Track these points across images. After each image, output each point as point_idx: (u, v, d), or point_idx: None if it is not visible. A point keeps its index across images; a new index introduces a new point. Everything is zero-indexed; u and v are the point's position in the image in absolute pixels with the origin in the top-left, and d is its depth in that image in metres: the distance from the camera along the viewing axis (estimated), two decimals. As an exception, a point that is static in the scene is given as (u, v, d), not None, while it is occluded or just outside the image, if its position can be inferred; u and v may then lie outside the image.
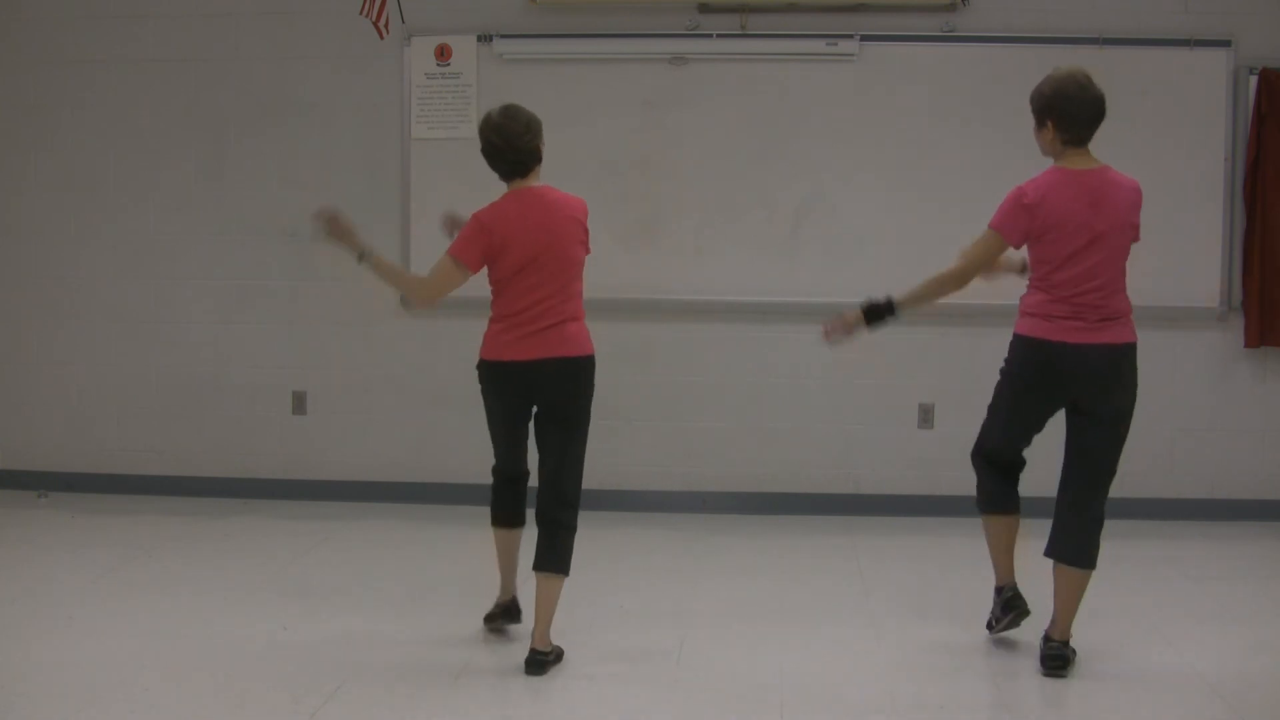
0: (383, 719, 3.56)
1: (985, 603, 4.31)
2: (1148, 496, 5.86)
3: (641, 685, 3.81)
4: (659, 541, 5.55)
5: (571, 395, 3.97)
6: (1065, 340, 3.84)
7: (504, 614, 4.21)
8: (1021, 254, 4.02)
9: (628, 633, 4.30)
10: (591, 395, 4.03)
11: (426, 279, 3.94)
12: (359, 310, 6.15)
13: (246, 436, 6.27)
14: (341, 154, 6.10)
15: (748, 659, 4.04)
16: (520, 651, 3.99)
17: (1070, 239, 3.82)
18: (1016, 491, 4.13)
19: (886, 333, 5.86)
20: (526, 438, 4.13)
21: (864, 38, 5.84)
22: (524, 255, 3.87)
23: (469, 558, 5.02)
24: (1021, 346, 3.97)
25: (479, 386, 4.06)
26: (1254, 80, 5.72)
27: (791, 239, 5.92)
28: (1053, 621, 3.93)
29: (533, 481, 4.14)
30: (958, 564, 5.07)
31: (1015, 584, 4.13)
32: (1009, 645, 4.14)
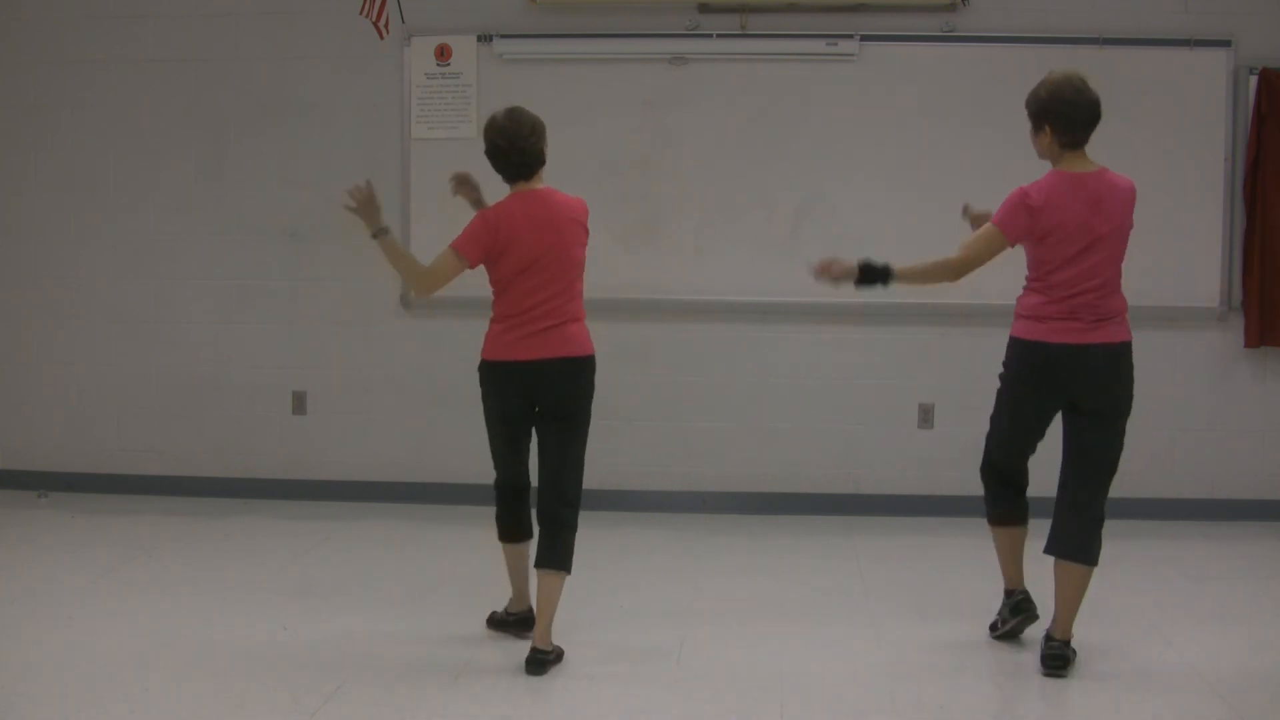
0: (383, 719, 3.56)
1: (986, 602, 4.32)
2: (1148, 496, 5.86)
3: (642, 685, 3.81)
4: (659, 541, 5.55)
5: (573, 395, 4.00)
6: (1062, 341, 3.86)
7: (519, 623, 4.19)
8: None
9: (628, 633, 4.30)
10: (592, 395, 4.06)
11: (427, 269, 3.96)
12: (359, 310, 6.16)
13: (246, 436, 6.27)
14: (341, 154, 6.10)
15: (748, 659, 4.04)
16: (520, 651, 3.99)
17: (1071, 242, 3.85)
18: (1025, 502, 4.15)
19: (886, 333, 5.95)
20: (528, 444, 4.13)
21: (864, 38, 5.84)
22: (528, 256, 3.91)
23: (469, 558, 5.03)
24: (1018, 349, 3.99)
25: (479, 390, 4.08)
26: (1254, 80, 5.72)
27: (791, 239, 5.92)
28: (1054, 620, 3.93)
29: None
30: (958, 564, 5.08)
31: (1025, 588, 4.15)
32: (1009, 645, 4.14)
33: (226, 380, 6.26)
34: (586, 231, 4.04)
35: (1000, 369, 4.10)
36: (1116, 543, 5.24)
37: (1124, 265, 4.04)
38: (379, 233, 3.94)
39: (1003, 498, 4.14)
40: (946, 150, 5.82)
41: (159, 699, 3.64)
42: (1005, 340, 4.06)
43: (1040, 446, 4.12)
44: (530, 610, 4.17)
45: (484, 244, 3.91)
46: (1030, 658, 3.99)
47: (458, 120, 5.99)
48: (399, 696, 3.70)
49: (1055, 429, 4.04)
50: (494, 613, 4.29)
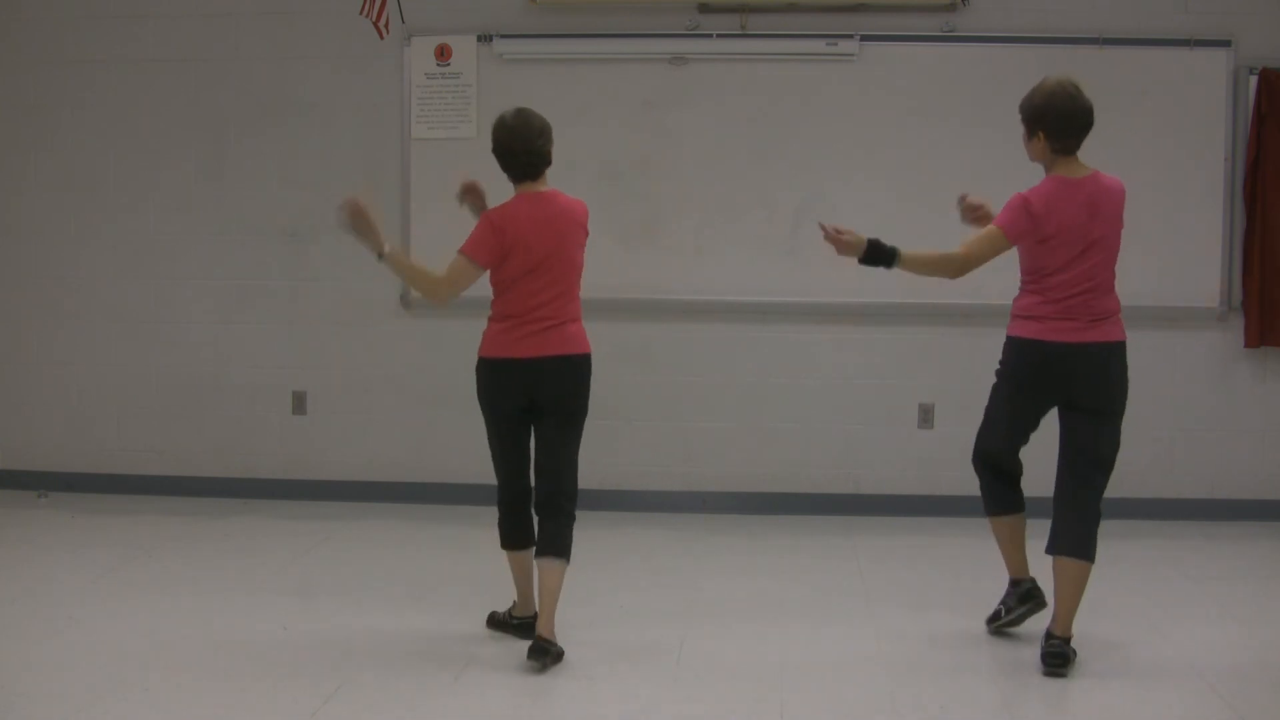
0: (383, 719, 3.56)
1: (986, 601, 4.32)
2: (1148, 496, 5.87)
3: (642, 685, 3.81)
4: (659, 541, 5.55)
5: (573, 392, 4.06)
6: (1059, 340, 3.92)
7: (522, 628, 4.17)
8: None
9: (628, 632, 4.30)
10: (589, 392, 4.11)
11: (442, 278, 3.99)
12: (359, 310, 6.16)
13: (246, 436, 6.27)
14: (341, 154, 6.10)
15: (748, 658, 4.04)
16: (521, 651, 3.99)
17: (1070, 246, 3.91)
18: (1020, 491, 4.18)
19: (886, 333, 5.95)
20: (529, 442, 4.14)
21: (864, 38, 5.84)
22: (533, 257, 3.96)
23: (469, 558, 5.03)
24: (1016, 348, 4.04)
25: (476, 387, 4.09)
26: (1254, 80, 5.72)
27: (791, 239, 5.92)
28: (1054, 618, 3.94)
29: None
30: (958, 564, 5.08)
31: (1032, 577, 4.17)
32: (1010, 645, 4.14)
33: (226, 380, 6.26)
34: (587, 234, 4.10)
35: (996, 368, 4.14)
36: (1116, 543, 5.25)
37: (1124, 265, 4.06)
38: (383, 254, 3.96)
39: (997, 488, 4.17)
40: (946, 150, 5.82)
41: (159, 699, 3.64)
42: (1005, 340, 4.08)
43: (1039, 448, 4.13)
44: (535, 615, 4.17)
45: (492, 246, 3.95)
46: (1030, 656, 3.99)
47: (458, 120, 5.98)
48: (399, 696, 3.69)
49: (1052, 430, 4.05)
50: (494, 613, 4.29)
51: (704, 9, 5.90)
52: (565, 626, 4.08)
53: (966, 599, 4.49)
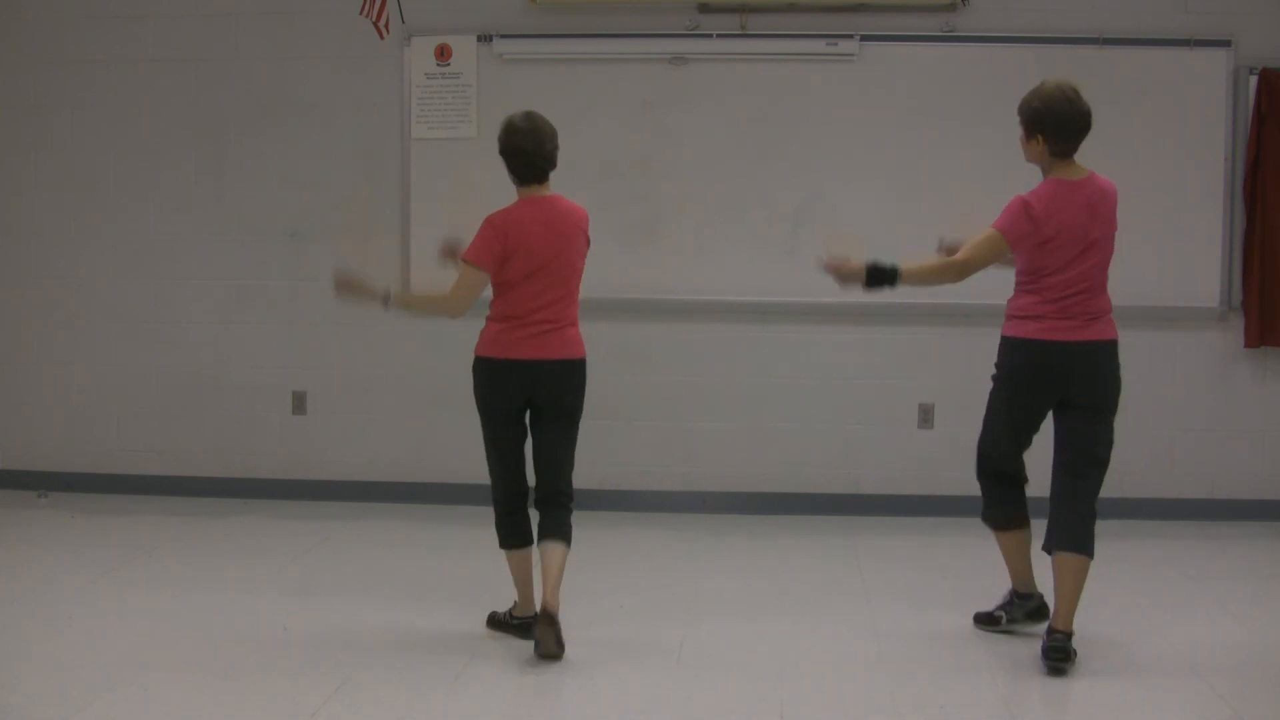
0: (383, 719, 3.56)
1: (986, 601, 4.33)
2: (1148, 496, 5.87)
3: (642, 684, 3.81)
4: (659, 541, 5.55)
5: (570, 394, 4.13)
6: (1057, 339, 3.95)
7: (522, 628, 4.17)
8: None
9: (628, 632, 4.30)
10: (584, 393, 4.18)
11: (452, 293, 4.04)
12: (359, 310, 6.10)
13: (246, 436, 6.27)
14: (341, 154, 6.10)
15: (748, 658, 4.04)
16: (521, 651, 4.00)
17: (1069, 248, 3.94)
18: (1025, 501, 4.17)
19: (886, 333, 5.94)
20: (524, 441, 4.18)
21: (864, 38, 5.84)
22: (535, 260, 4.00)
23: (469, 558, 5.03)
24: (1013, 348, 4.05)
25: (474, 387, 4.10)
26: (1254, 80, 5.72)
27: (791, 239, 5.92)
28: (1055, 614, 3.94)
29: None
30: (958, 564, 5.08)
31: (1040, 593, 4.17)
32: (1010, 644, 4.14)
33: (226, 380, 6.26)
34: (589, 242, 4.15)
35: (993, 372, 4.14)
36: (1116, 543, 5.26)
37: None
38: (388, 300, 4.04)
39: (1003, 498, 4.15)
40: (946, 150, 5.82)
41: (159, 699, 3.64)
42: (1000, 341, 4.10)
43: (1037, 450, 4.14)
44: (536, 615, 4.17)
45: (495, 250, 3.99)
46: (1030, 655, 3.99)
47: (458, 120, 5.98)
48: (399, 696, 3.69)
49: (1047, 430, 4.07)
50: (494, 613, 4.29)
51: (704, 9, 5.90)
52: (565, 626, 4.08)
53: (966, 599, 4.49)
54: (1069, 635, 3.90)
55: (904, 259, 4.00)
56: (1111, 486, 5.84)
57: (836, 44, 5.84)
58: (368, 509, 6.01)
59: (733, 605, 4.62)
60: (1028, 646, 4.08)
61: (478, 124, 5.91)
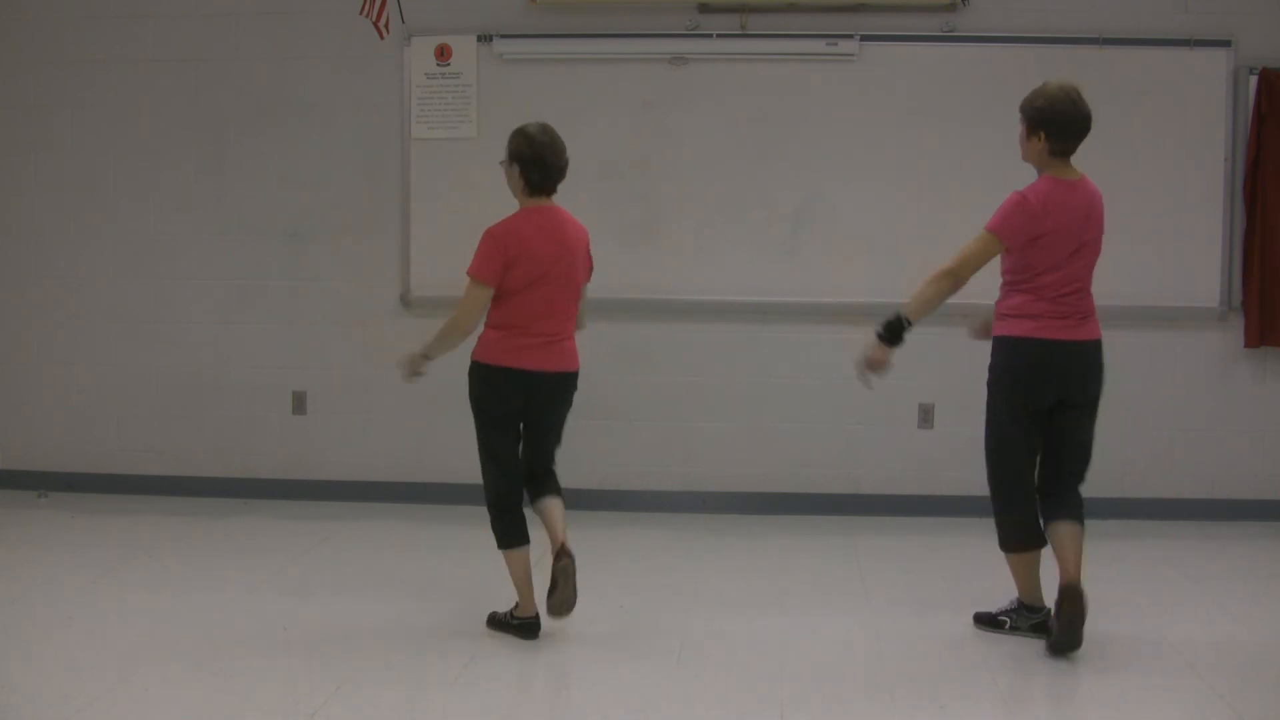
0: (383, 718, 3.56)
1: (986, 601, 4.34)
2: (1148, 496, 5.87)
3: (642, 684, 3.81)
4: (659, 541, 5.55)
5: (565, 403, 4.27)
6: (1056, 337, 3.99)
7: (523, 628, 4.18)
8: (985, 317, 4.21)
9: (628, 632, 4.30)
10: None
11: (460, 313, 4.10)
12: (359, 310, 6.16)
13: (246, 436, 6.27)
14: (341, 154, 6.10)
15: (748, 659, 4.04)
16: (522, 652, 4.00)
17: (1063, 246, 3.97)
18: (1039, 520, 4.15)
19: (886, 333, 5.92)
20: (518, 447, 4.27)
21: (864, 38, 5.84)
22: (536, 270, 4.06)
23: (469, 558, 5.02)
24: (1011, 347, 4.06)
25: (471, 391, 4.14)
26: (1254, 80, 5.72)
27: (791, 239, 5.92)
28: (1064, 572, 3.98)
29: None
30: (958, 564, 5.08)
31: (1049, 609, 4.16)
32: (1010, 643, 4.14)
33: (226, 380, 6.26)
34: (591, 263, 4.26)
35: (989, 378, 4.14)
36: (1116, 543, 5.27)
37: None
38: (426, 359, 4.20)
39: (1019, 514, 4.11)
40: (946, 150, 5.82)
41: (159, 699, 3.64)
42: (995, 342, 4.11)
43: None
44: (537, 615, 4.18)
45: (496, 263, 4.05)
46: (1029, 655, 4.00)
47: (458, 120, 5.98)
48: (400, 696, 3.70)
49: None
50: (494, 613, 4.29)
51: (704, 9, 5.90)
52: (565, 626, 4.09)
53: (967, 599, 4.49)
54: (1080, 585, 3.95)
55: (903, 302, 4.04)
56: (1111, 486, 5.90)
57: (836, 44, 5.84)
58: (368, 509, 6.01)
59: (733, 605, 4.62)
60: (1028, 646, 4.09)
61: (478, 124, 5.92)
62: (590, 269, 4.29)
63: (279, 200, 6.15)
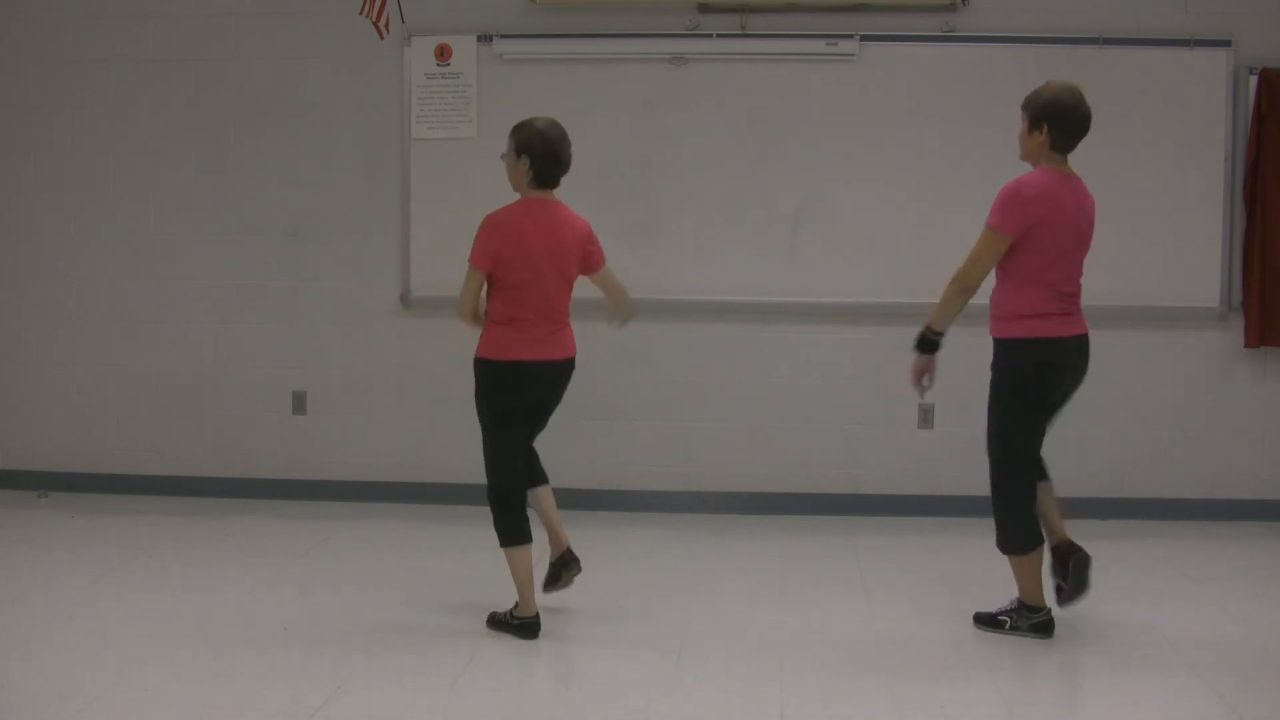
0: (383, 719, 3.56)
1: (986, 602, 4.33)
2: (1148, 496, 5.87)
3: (641, 685, 3.81)
4: (659, 541, 5.55)
5: (565, 388, 4.31)
6: (1067, 334, 4.06)
7: (523, 628, 4.18)
8: None
9: (628, 632, 4.30)
10: None
11: (460, 298, 4.14)
12: (359, 310, 6.16)
13: (246, 436, 6.27)
14: (341, 154, 6.10)
15: (747, 659, 4.04)
16: (522, 652, 3.99)
17: (1064, 235, 4.02)
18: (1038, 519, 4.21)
19: (886, 333, 5.92)
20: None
21: (864, 38, 5.84)
22: (533, 260, 4.09)
23: (469, 558, 5.03)
24: (1025, 349, 4.07)
25: (481, 389, 4.14)
26: (1254, 80, 5.71)
27: (791, 239, 5.92)
28: (1055, 529, 4.18)
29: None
30: (958, 564, 5.08)
31: (1049, 608, 4.19)
32: (1010, 644, 4.14)
33: (226, 380, 6.26)
34: (590, 250, 4.26)
35: (998, 377, 4.14)
36: (1116, 543, 5.27)
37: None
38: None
39: (1032, 516, 4.16)
40: (946, 150, 5.82)
41: (159, 699, 3.64)
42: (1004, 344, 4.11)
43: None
44: (537, 615, 4.18)
45: (492, 249, 4.08)
46: (1029, 655, 4.00)
47: (458, 120, 5.98)
48: (399, 696, 3.70)
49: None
50: (494, 613, 4.29)
51: (704, 9, 5.90)
52: (565, 626, 4.09)
53: (967, 599, 4.49)
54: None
55: (927, 316, 4.14)
56: (1111, 486, 5.91)
57: (836, 44, 5.84)
58: (368, 509, 6.01)
59: (733, 605, 4.62)
60: (1028, 647, 4.09)
61: (478, 124, 5.92)
62: (601, 256, 4.31)
63: (279, 200, 6.15)
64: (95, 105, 6.21)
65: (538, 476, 4.42)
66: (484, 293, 4.17)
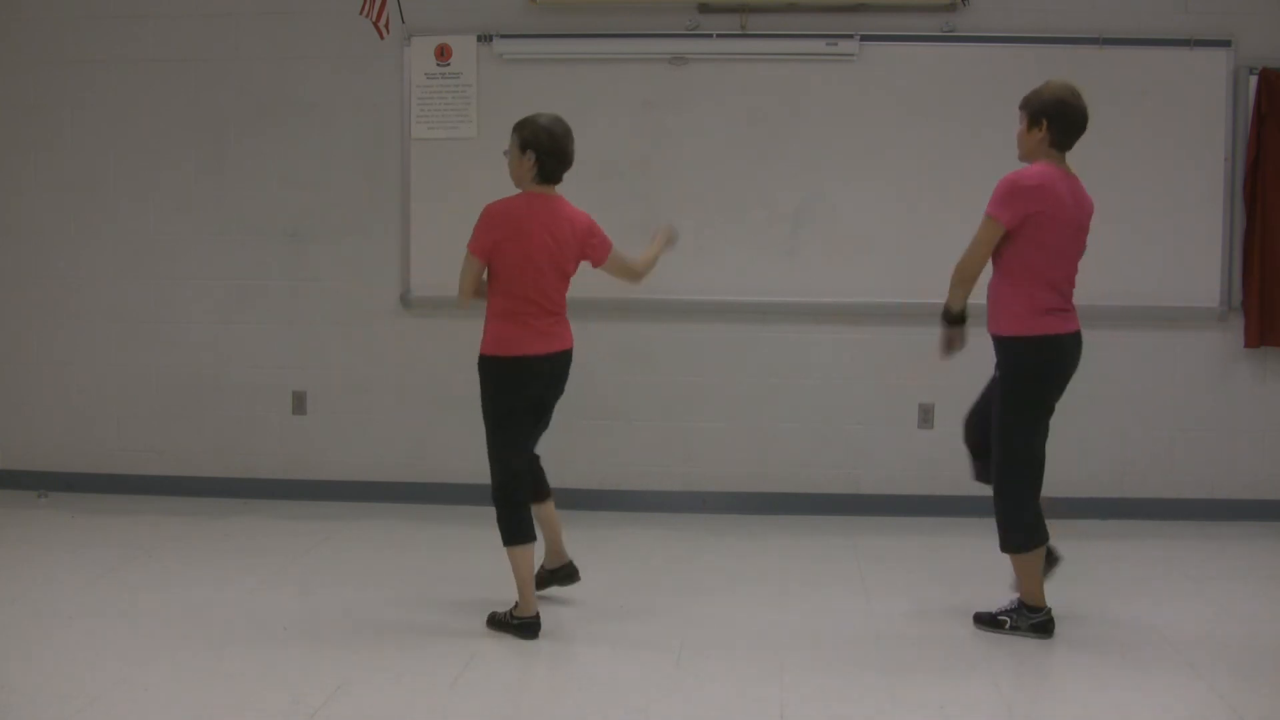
0: (383, 719, 3.56)
1: (986, 602, 4.33)
2: (1148, 496, 5.87)
3: (641, 685, 3.81)
4: (659, 541, 5.55)
5: (565, 381, 4.33)
6: (1071, 330, 4.11)
7: (524, 628, 4.19)
8: None
9: (628, 632, 4.30)
10: None
11: (460, 284, 4.18)
12: (359, 310, 6.16)
13: (246, 436, 6.27)
14: (341, 154, 6.10)
15: (747, 659, 4.03)
16: (522, 652, 3.99)
17: (1064, 229, 4.06)
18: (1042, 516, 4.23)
19: (886, 333, 5.95)
20: None
21: (864, 38, 5.84)
22: (531, 252, 4.11)
23: (469, 557, 5.03)
24: (1034, 347, 4.09)
25: (478, 389, 4.15)
26: (1254, 80, 5.71)
27: (791, 239, 5.92)
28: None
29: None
30: (958, 564, 5.08)
31: (1049, 608, 4.20)
32: (1010, 644, 4.14)
33: (226, 380, 6.26)
34: (591, 243, 4.27)
35: (1002, 374, 4.14)
36: (1116, 543, 5.27)
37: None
38: None
39: (1038, 512, 4.17)
40: (946, 150, 5.82)
41: (159, 699, 3.64)
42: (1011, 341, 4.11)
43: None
44: (537, 615, 4.18)
45: (490, 238, 4.12)
46: (1029, 655, 4.00)
47: (458, 120, 5.98)
48: (400, 696, 3.70)
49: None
50: (494, 613, 4.29)
51: (704, 9, 5.90)
52: (564, 626, 4.08)
53: (967, 599, 4.49)
54: None
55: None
56: (1111, 486, 5.91)
57: (836, 44, 5.84)
58: (368, 509, 6.01)
59: (732, 605, 4.62)
60: (1028, 646, 4.09)
61: (478, 124, 5.92)
62: (606, 245, 4.33)
63: (279, 200, 6.15)
64: (95, 105, 6.21)
65: (542, 491, 4.42)
66: (483, 288, 4.20)
